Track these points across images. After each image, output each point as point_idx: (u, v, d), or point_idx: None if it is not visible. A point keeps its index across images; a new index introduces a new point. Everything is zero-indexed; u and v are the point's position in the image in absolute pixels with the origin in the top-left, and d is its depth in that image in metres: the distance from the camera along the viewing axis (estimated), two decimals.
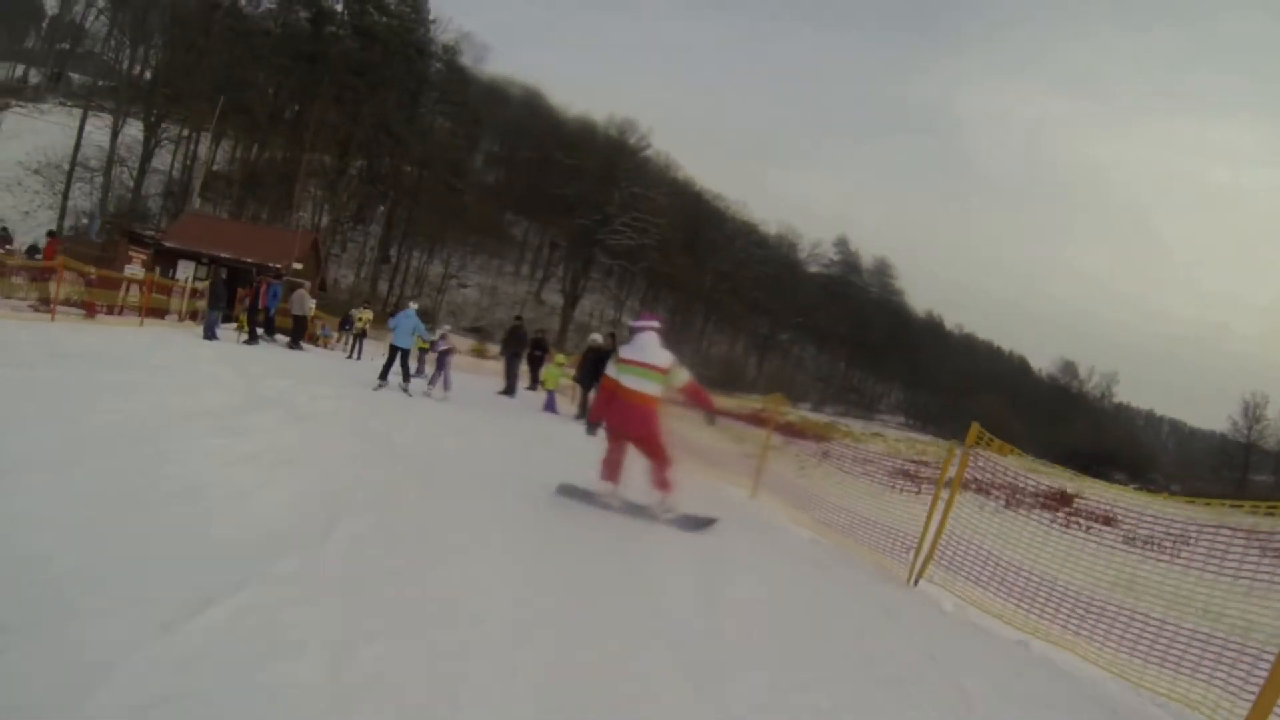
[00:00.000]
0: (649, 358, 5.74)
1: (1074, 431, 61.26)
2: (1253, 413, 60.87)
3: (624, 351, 5.90)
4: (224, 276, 16.50)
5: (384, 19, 62.33)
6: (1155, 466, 66.09)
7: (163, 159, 55.72)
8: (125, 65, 57.88)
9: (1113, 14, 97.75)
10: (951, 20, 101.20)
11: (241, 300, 18.19)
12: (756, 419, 10.63)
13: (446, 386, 13.59)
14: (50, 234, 22.68)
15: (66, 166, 52.74)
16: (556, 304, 68.81)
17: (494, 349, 40.07)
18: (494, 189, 69.55)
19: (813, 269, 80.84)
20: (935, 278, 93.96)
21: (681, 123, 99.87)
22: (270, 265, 25.71)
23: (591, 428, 6.03)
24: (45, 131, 53.98)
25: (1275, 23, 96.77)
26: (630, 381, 5.76)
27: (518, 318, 19.69)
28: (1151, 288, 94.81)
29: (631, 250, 68.11)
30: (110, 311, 16.00)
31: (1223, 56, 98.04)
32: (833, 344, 76.64)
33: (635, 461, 5.88)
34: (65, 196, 51.30)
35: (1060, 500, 9.72)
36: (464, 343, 31.58)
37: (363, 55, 59.45)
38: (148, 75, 56.68)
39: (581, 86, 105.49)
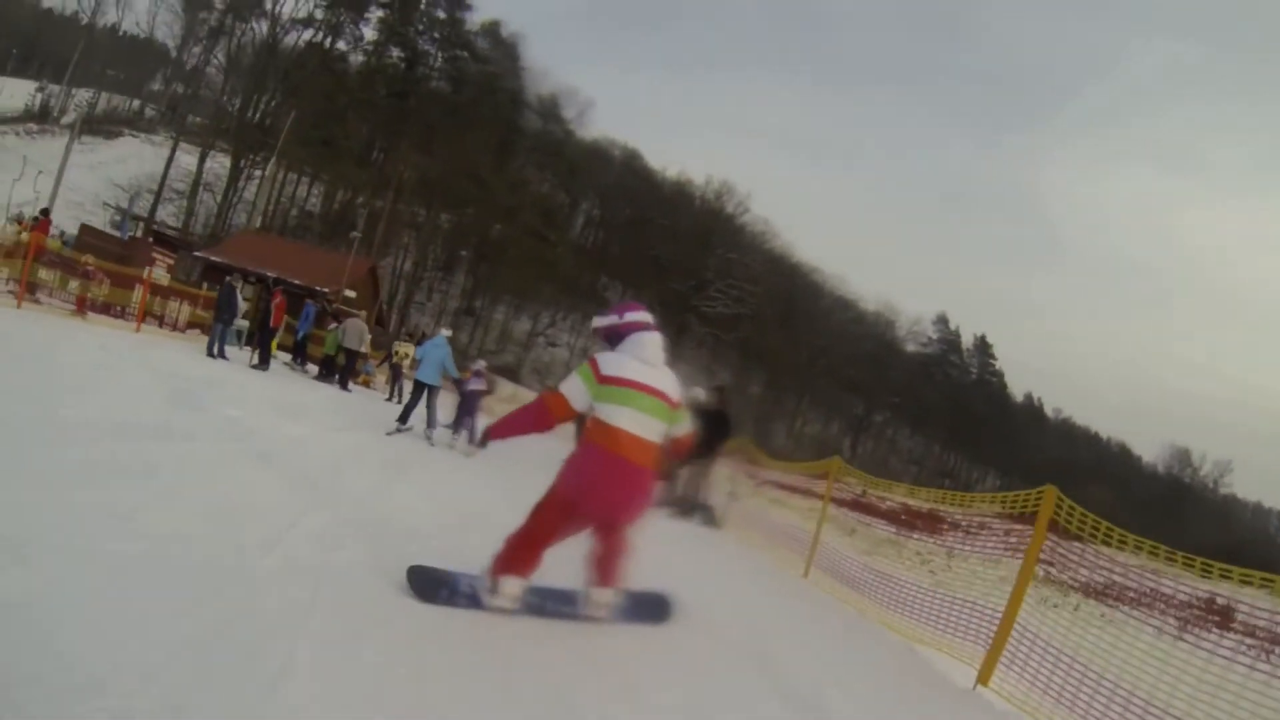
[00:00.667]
0: (665, 384, 3.54)
1: (1192, 526, 55.26)
2: None
3: (617, 367, 3.51)
4: (237, 286, 14.55)
5: (476, 64, 64.17)
6: None
7: (252, 191, 58.06)
8: (236, 108, 60.70)
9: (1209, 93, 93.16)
10: (1053, 104, 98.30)
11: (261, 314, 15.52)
12: (804, 487, 9.55)
13: (472, 438, 10.63)
14: (43, 212, 19.51)
15: (155, 188, 55.75)
16: None
17: None
18: (590, 250, 70.31)
19: (910, 348, 78.16)
20: (1034, 360, 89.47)
21: (781, 191, 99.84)
22: (319, 289, 24.25)
23: (482, 440, 3.75)
24: (152, 159, 57.41)
25: None
26: (636, 424, 3.43)
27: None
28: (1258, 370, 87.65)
29: (726, 319, 67.18)
30: (111, 313, 14.90)
31: None
32: (928, 426, 73.28)
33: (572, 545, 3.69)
34: (151, 216, 54.27)
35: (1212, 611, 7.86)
36: (507, 386, 29.16)
37: (454, 97, 61.18)
38: (260, 119, 59.59)
39: (680, 147, 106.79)
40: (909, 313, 77.33)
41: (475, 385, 11.70)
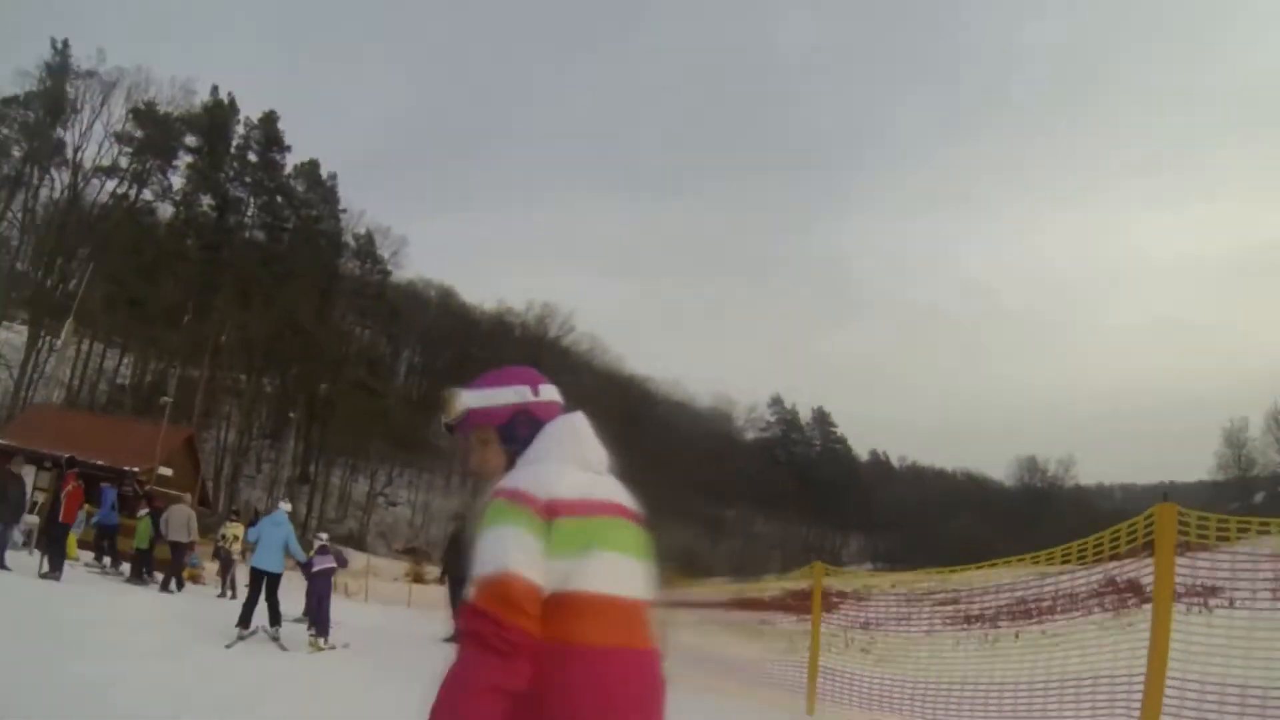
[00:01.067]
0: (625, 498, 1.74)
1: (1053, 524, 58.35)
2: (1237, 440, 60.72)
3: (557, 484, 1.53)
4: (22, 472, 12.00)
5: (293, 208, 60.87)
6: None
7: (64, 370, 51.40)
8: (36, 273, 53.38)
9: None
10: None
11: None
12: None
13: (321, 630, 9.06)
14: None
15: None
16: None
17: (434, 571, 35.78)
18: (417, 401, 67.64)
19: (751, 435, 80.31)
20: (870, 417, 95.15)
21: (603, 307, 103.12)
22: (127, 469, 21.06)
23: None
24: None
25: None
26: (621, 578, 1.55)
27: (458, 515, 14.06)
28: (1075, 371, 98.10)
29: None
30: None
31: None
32: (783, 507, 74.85)
33: None
34: None
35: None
36: (358, 558, 25.69)
37: (271, 246, 57.32)
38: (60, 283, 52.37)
39: (497, 278, 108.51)
40: (744, 402, 79.76)
41: (322, 564, 9.90)
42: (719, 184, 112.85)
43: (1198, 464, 67.70)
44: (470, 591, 1.42)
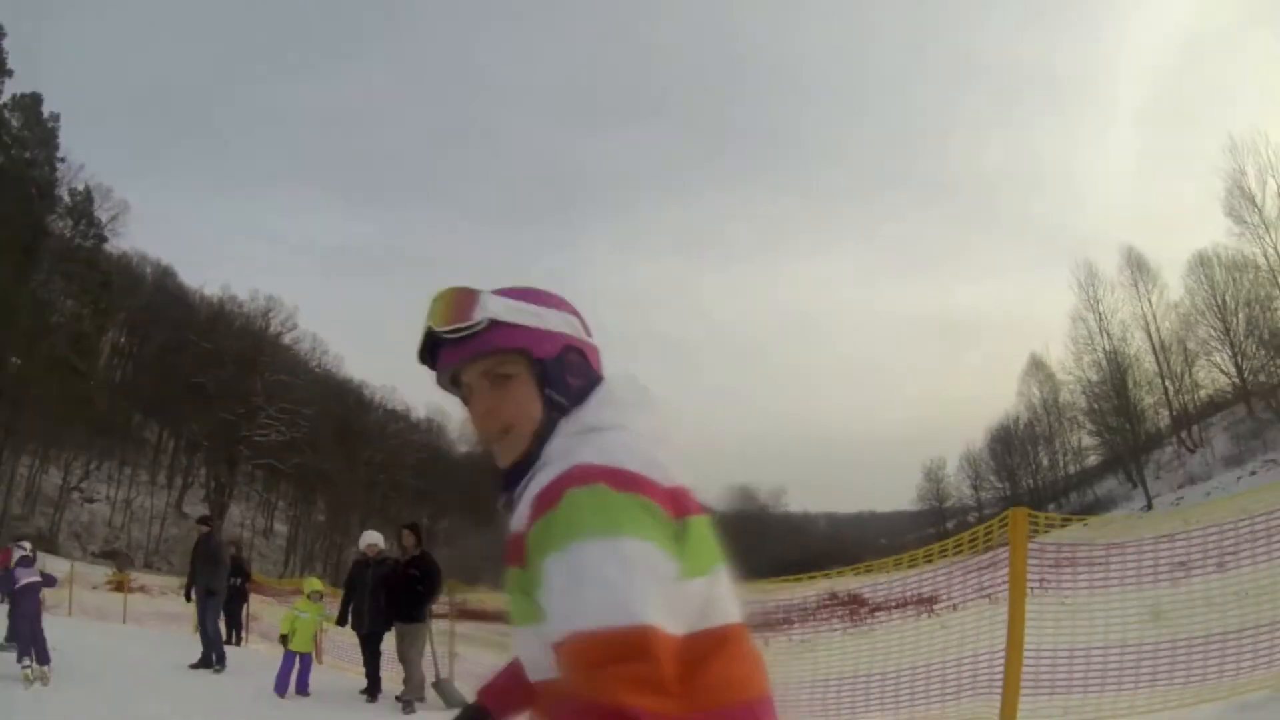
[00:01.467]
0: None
1: (781, 547, 64.80)
2: (935, 475, 72.20)
3: (665, 470, 1.01)
4: None
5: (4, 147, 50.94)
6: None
7: None
8: None
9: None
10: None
11: None
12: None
13: (41, 656, 7.58)
14: None
15: None
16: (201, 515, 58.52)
17: (144, 578, 31.75)
18: (121, 386, 58.78)
19: (464, 448, 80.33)
20: None
21: (327, 305, 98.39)
22: None
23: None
24: None
25: None
26: (737, 600, 1.07)
27: (206, 519, 10.90)
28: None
29: (280, 446, 61.27)
30: None
31: None
32: (494, 520, 75.94)
33: None
34: None
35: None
36: (61, 566, 22.04)
37: None
38: None
39: (221, 259, 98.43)
40: (458, 415, 79.66)
41: (27, 577, 7.91)
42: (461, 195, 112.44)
43: (894, 495, 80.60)
44: (572, 654, 0.89)
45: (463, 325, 1.10)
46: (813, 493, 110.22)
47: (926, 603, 8.27)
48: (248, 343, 62.66)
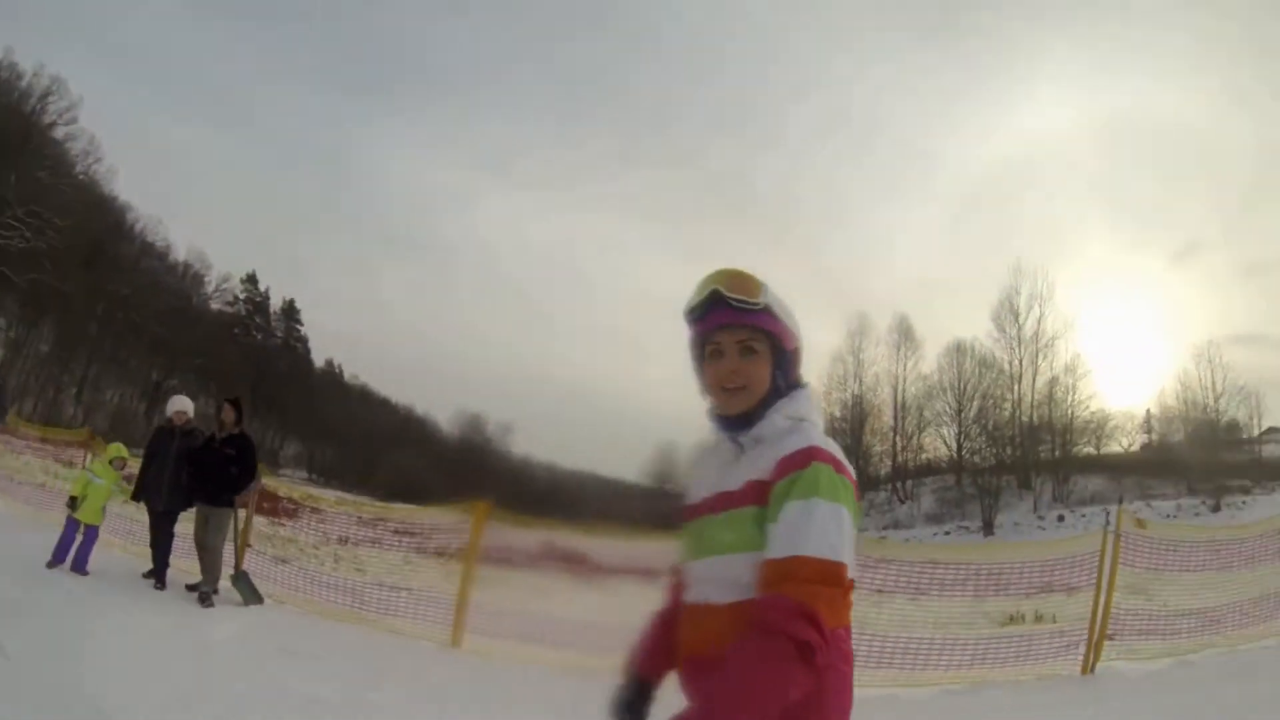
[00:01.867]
0: None
1: (491, 481, 63.98)
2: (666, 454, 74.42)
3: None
4: None
5: None
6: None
7: None
8: None
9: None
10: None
11: None
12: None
13: None
14: None
15: None
16: None
17: None
18: None
19: (216, 306, 73.75)
20: (338, 330, 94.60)
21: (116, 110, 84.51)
22: None
23: None
24: None
25: None
26: None
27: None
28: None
29: (21, 254, 52.43)
30: None
31: None
32: (230, 388, 70.56)
33: None
34: None
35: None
36: None
37: None
38: None
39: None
40: (220, 268, 72.65)
41: None
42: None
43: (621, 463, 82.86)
44: (792, 568, 1.32)
45: (749, 300, 1.52)
46: (538, 440, 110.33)
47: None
48: (14, 124, 52.64)
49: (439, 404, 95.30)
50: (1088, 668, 6.58)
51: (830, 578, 1.33)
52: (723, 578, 1.47)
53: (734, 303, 1.51)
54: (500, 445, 79.87)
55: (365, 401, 79.15)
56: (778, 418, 1.50)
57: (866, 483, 58.90)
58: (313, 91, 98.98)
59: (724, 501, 1.50)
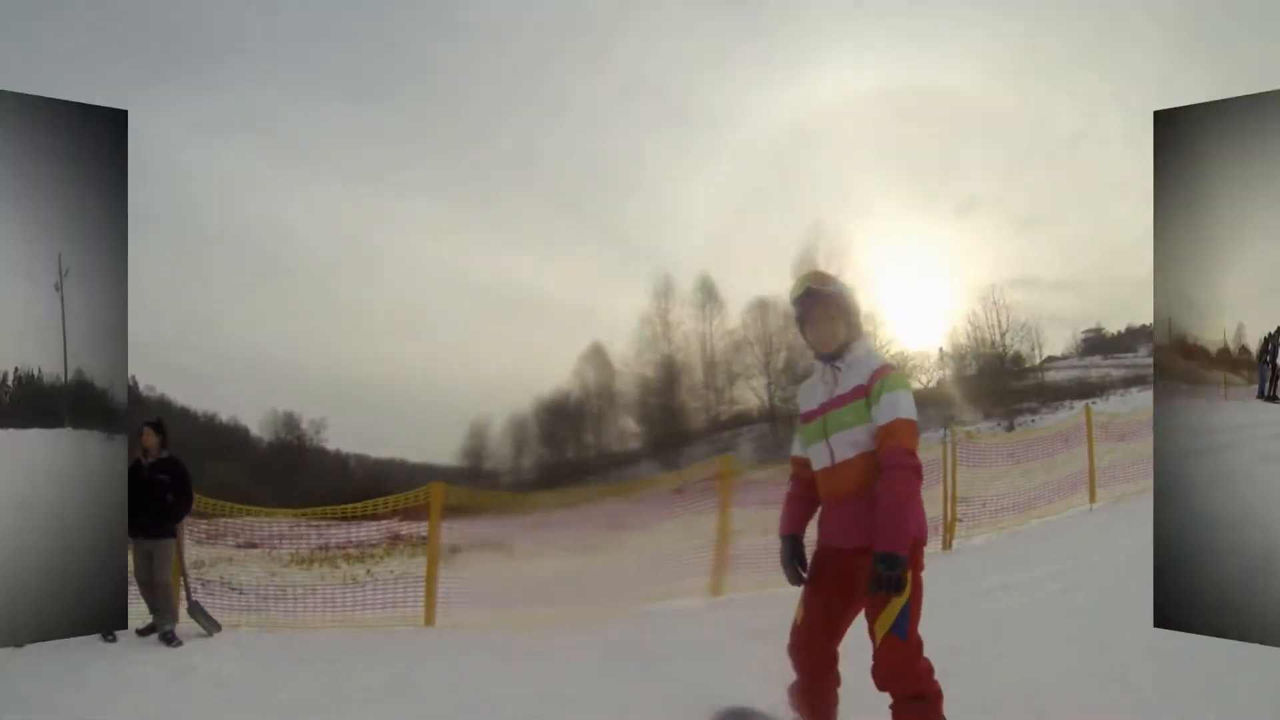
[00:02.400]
0: None
1: (311, 480, 59.97)
2: (480, 434, 73.15)
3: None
4: None
5: None
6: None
7: None
8: None
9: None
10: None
11: None
12: None
13: None
14: None
15: None
16: None
17: None
18: None
19: None
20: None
21: None
22: None
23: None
24: None
25: None
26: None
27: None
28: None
29: None
30: None
31: None
32: None
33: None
34: None
35: None
36: None
37: None
38: None
39: None
40: None
41: None
42: None
43: (435, 450, 79.79)
44: (896, 426, 2.50)
45: (825, 290, 2.69)
46: (347, 432, 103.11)
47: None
48: None
49: (246, 409, 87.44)
50: (946, 544, 8.85)
51: (913, 430, 2.53)
52: (854, 441, 2.59)
53: (820, 290, 2.69)
54: (314, 442, 74.49)
55: (165, 412, 70.89)
56: (860, 351, 2.66)
57: (686, 437, 62.50)
58: None
59: (840, 400, 2.62)
